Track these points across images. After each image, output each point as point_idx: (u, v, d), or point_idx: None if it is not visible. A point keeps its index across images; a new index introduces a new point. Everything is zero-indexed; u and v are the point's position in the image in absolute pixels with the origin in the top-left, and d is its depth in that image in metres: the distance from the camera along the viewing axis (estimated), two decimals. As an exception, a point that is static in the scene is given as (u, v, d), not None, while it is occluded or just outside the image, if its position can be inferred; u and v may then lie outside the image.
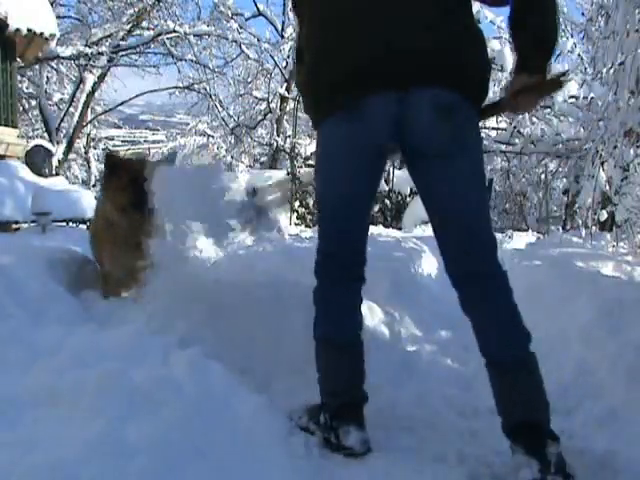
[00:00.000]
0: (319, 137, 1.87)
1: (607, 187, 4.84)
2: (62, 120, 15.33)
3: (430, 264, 4.06)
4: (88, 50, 13.44)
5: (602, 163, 4.80)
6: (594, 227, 5.16)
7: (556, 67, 10.94)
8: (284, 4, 16.20)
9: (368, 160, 1.80)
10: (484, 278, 1.77)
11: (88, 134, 19.57)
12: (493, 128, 13.47)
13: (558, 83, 1.83)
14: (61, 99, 16.54)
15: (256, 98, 18.15)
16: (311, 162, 16.42)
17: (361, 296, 1.95)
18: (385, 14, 1.71)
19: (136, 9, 14.34)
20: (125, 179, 2.76)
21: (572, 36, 12.66)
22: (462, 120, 1.73)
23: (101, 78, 15.00)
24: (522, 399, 1.71)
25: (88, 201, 7.86)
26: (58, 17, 12.36)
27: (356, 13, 1.73)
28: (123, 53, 14.75)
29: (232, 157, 19.70)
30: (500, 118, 12.83)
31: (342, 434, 1.82)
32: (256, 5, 16.23)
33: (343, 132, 1.76)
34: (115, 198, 2.81)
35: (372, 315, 2.74)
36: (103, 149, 22.15)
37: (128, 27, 14.31)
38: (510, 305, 1.77)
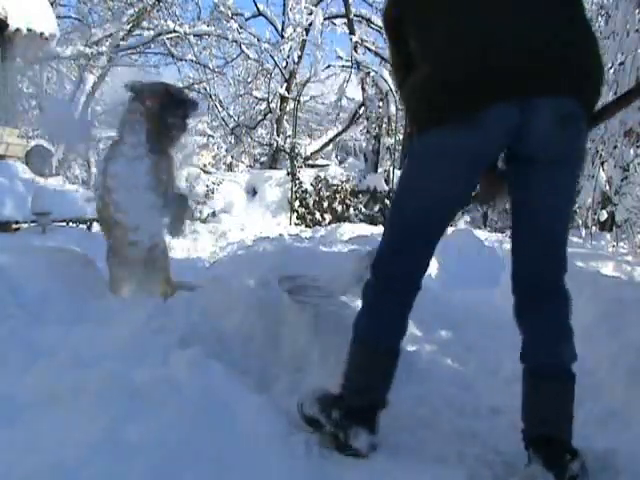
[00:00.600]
0: (421, 143, 1.79)
1: (607, 187, 4.85)
2: (62, 120, 15.32)
3: (430, 264, 4.06)
4: (88, 50, 13.45)
5: (602, 163, 4.80)
6: (594, 227, 5.17)
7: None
8: (284, 4, 16.20)
9: (477, 172, 1.79)
10: (556, 293, 1.79)
11: (88, 134, 19.55)
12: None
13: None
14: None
15: (256, 98, 18.17)
16: (311, 162, 16.46)
17: (413, 304, 1.91)
18: (507, 23, 1.67)
19: (136, 9, 14.36)
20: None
21: (572, 36, 12.66)
22: (579, 129, 1.73)
23: (101, 78, 15.01)
24: (553, 413, 1.73)
25: (88, 201, 7.85)
26: (58, 17, 12.35)
27: (479, 23, 1.69)
28: (123, 53, 14.76)
29: (232, 157, 19.71)
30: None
31: (352, 434, 1.80)
32: (256, 5, 16.25)
33: (461, 140, 1.70)
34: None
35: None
36: (103, 149, 22.17)
37: (128, 27, 14.33)
38: (569, 323, 1.79)
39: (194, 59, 15.33)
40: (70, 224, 7.56)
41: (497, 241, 7.74)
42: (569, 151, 1.72)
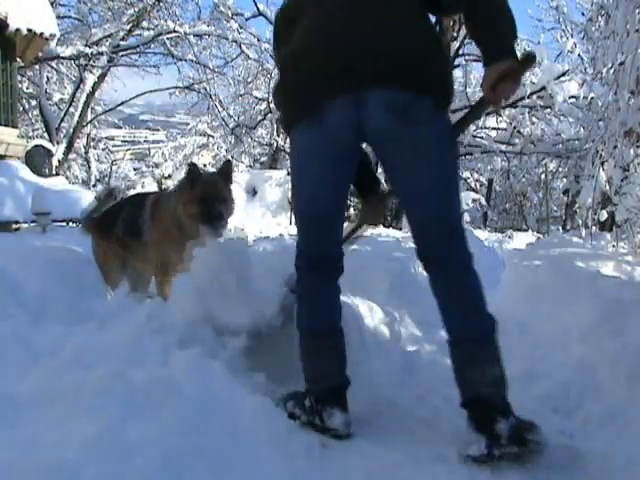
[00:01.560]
0: (291, 142, 2.02)
1: (607, 187, 4.84)
2: (62, 120, 15.33)
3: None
4: (88, 50, 13.44)
5: (602, 163, 4.79)
6: (594, 227, 5.16)
7: (557, 67, 10.96)
8: (284, 4, 16.20)
9: (334, 164, 1.94)
10: (446, 259, 1.87)
11: (88, 134, 19.57)
12: (493, 128, 13.48)
13: (529, 60, 1.87)
14: (61, 99, 16.54)
15: (256, 98, 18.16)
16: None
17: (339, 286, 2.06)
18: (343, 20, 1.85)
19: (136, 9, 14.34)
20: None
21: (572, 36, 12.67)
22: (415, 116, 1.81)
23: (101, 78, 14.99)
24: (475, 376, 1.80)
25: (88, 201, 7.85)
26: (58, 17, 12.36)
27: (322, 22, 1.89)
28: (123, 53, 14.75)
29: (232, 157, 19.71)
30: (500, 118, 12.84)
31: (326, 416, 1.90)
32: (256, 5, 16.22)
33: (310, 137, 1.91)
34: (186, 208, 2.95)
35: (372, 315, 2.74)
36: (103, 149, 22.18)
37: (128, 27, 14.31)
38: (471, 286, 1.87)
39: (194, 59, 15.30)
40: (70, 224, 7.56)
41: (497, 241, 7.74)
42: (409, 137, 1.81)
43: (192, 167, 2.99)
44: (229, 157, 19.52)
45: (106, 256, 3.23)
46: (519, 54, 1.83)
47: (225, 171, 3.07)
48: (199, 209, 2.92)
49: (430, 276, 1.92)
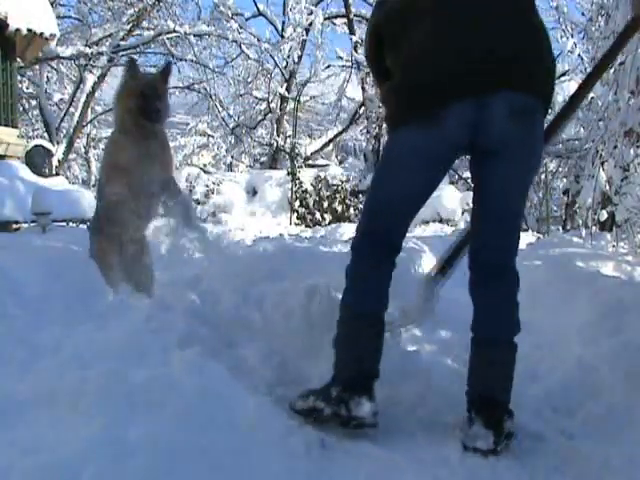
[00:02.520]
0: (393, 138, 2.03)
1: (607, 187, 4.84)
2: (62, 120, 15.34)
3: (430, 264, 4.05)
4: (88, 50, 13.45)
5: (602, 163, 4.79)
6: (594, 227, 5.16)
7: (556, 67, 10.96)
8: (284, 4, 16.22)
9: (441, 166, 2.00)
10: (504, 272, 1.99)
11: (88, 134, 19.57)
12: (493, 128, 13.45)
13: None
14: (61, 99, 16.55)
15: (256, 98, 18.16)
16: (311, 162, 16.46)
17: (391, 279, 2.07)
18: (467, 22, 1.88)
19: (136, 9, 14.36)
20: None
21: (572, 36, 12.68)
22: (533, 121, 1.91)
23: (101, 78, 15.00)
24: (493, 376, 1.92)
25: (88, 201, 7.85)
26: (58, 17, 12.37)
27: (445, 24, 1.91)
28: (123, 53, 14.74)
29: (232, 157, 19.71)
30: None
31: (354, 405, 1.88)
32: (256, 5, 16.25)
33: (421, 137, 1.91)
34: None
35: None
36: (103, 149, 22.16)
37: (128, 27, 14.32)
38: (516, 297, 1.99)
39: (194, 59, 15.31)
40: (70, 224, 7.55)
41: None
42: (522, 144, 1.90)
43: (131, 63, 3.23)
44: (229, 157, 19.54)
45: (103, 251, 3.25)
46: None
47: (164, 72, 3.26)
48: (138, 103, 3.08)
49: (484, 281, 1.99)
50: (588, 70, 9.39)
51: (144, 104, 3.08)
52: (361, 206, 13.09)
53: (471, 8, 1.90)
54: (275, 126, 16.85)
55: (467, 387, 1.97)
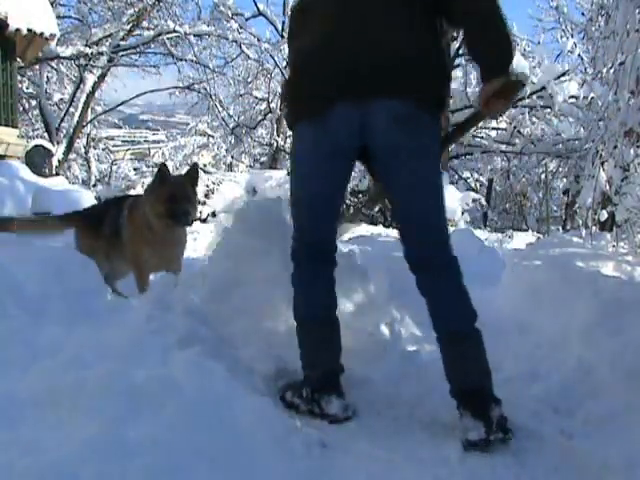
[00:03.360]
0: (293, 138, 2.14)
1: (607, 187, 4.84)
2: (62, 120, 15.33)
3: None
4: (88, 50, 13.44)
5: (602, 163, 4.79)
6: (594, 227, 5.15)
7: (557, 67, 10.97)
8: (284, 4, 16.21)
9: (332, 162, 2.03)
10: (434, 263, 2.01)
11: (88, 134, 19.55)
12: (493, 128, 13.48)
13: (519, 82, 2.00)
14: (61, 99, 16.54)
15: (256, 98, 18.15)
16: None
17: (334, 278, 2.17)
18: (353, 30, 1.92)
19: (136, 9, 14.33)
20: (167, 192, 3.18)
21: (572, 36, 12.68)
22: (416, 127, 1.93)
23: (101, 78, 14.99)
24: (469, 368, 1.96)
25: (88, 201, 7.85)
26: (58, 17, 12.36)
27: (331, 28, 1.96)
28: (123, 53, 14.74)
29: (232, 157, 19.70)
30: (500, 118, 12.84)
31: (324, 403, 2.03)
32: (256, 5, 16.23)
33: (312, 136, 2.00)
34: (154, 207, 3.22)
35: (372, 315, 2.74)
36: (103, 149, 22.16)
37: (128, 27, 14.30)
38: (459, 286, 2.01)
39: (194, 59, 15.29)
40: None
41: (497, 241, 7.75)
42: (409, 149, 1.93)
43: (163, 168, 3.26)
44: (229, 157, 19.54)
45: (92, 248, 3.42)
46: (517, 63, 1.95)
47: (192, 174, 3.34)
48: (166, 207, 3.17)
49: (422, 278, 2.04)
50: (588, 70, 9.39)
51: (174, 208, 3.17)
52: (360, 206, 13.10)
53: (354, 11, 1.94)
54: (275, 126, 16.84)
55: (448, 385, 2.00)
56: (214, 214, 12.68)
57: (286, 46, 13.89)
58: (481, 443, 1.84)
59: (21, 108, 15.08)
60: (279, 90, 16.23)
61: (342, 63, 1.92)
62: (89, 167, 20.79)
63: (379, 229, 6.67)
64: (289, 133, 16.61)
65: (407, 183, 1.97)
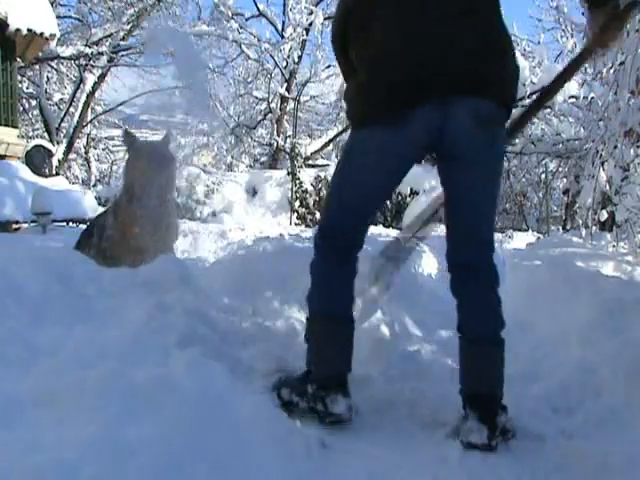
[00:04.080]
0: (357, 136, 2.03)
1: (607, 187, 4.84)
2: (62, 120, 15.34)
3: (430, 264, 4.06)
4: (88, 50, 13.45)
5: (602, 163, 4.79)
6: (594, 227, 5.16)
7: (557, 67, 10.97)
8: (284, 4, 16.20)
9: (405, 165, 2.02)
10: (478, 268, 2.01)
11: (88, 134, 19.57)
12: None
13: (631, 7, 1.97)
14: (61, 99, 16.55)
15: (256, 98, 18.16)
16: (311, 162, 16.46)
17: (355, 275, 2.11)
18: (428, 31, 1.88)
19: (136, 9, 14.35)
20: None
21: (572, 36, 12.68)
22: (496, 131, 1.94)
23: (101, 78, 15.00)
24: (486, 373, 1.96)
25: (88, 201, 7.85)
26: (58, 17, 12.36)
27: (406, 29, 1.90)
28: (123, 53, 14.76)
29: (232, 157, 19.70)
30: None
31: (330, 402, 1.96)
32: (256, 5, 16.24)
33: (382, 136, 1.92)
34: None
35: (372, 315, 2.74)
36: (103, 149, 22.16)
37: (128, 27, 14.33)
38: (496, 294, 2.02)
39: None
40: (70, 224, 7.56)
41: (497, 241, 7.73)
42: (486, 152, 1.92)
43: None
44: (229, 157, 19.53)
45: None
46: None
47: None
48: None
49: (462, 279, 2.04)
50: (588, 70, 9.39)
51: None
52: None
53: (436, 9, 1.89)
54: (275, 126, 16.84)
55: (460, 386, 2.00)
56: (214, 214, 12.70)
57: (287, 46, 13.70)
58: (483, 447, 1.84)
59: (21, 108, 15.09)
60: (280, 90, 16.26)
61: (426, 65, 1.86)
62: (89, 167, 20.80)
63: (379, 229, 6.66)
64: (289, 133, 16.63)
65: (479, 184, 1.96)
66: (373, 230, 7.21)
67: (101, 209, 6.13)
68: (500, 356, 1.98)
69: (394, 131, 1.90)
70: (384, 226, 8.56)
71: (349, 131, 2.13)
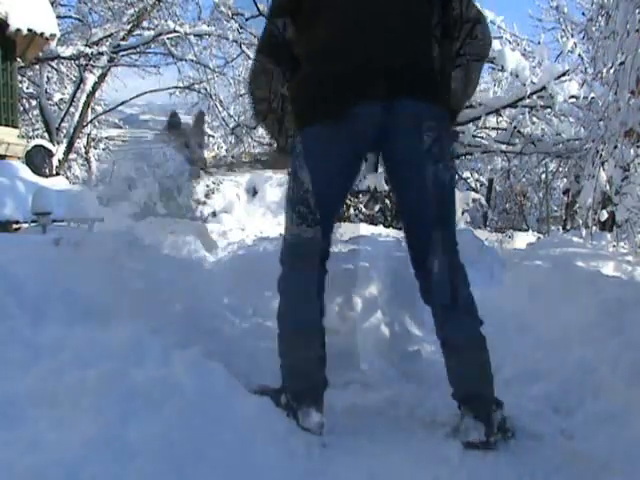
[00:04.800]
0: (302, 136, 1.99)
1: (607, 187, 4.84)
2: (62, 120, 15.32)
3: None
4: (88, 50, 13.44)
5: (602, 163, 4.79)
6: (594, 227, 5.16)
7: (557, 67, 10.97)
8: (284, 4, 16.18)
9: (352, 162, 2.00)
10: (441, 275, 1.95)
11: (88, 134, 19.54)
12: (493, 128, 13.48)
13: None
14: (61, 99, 16.53)
15: (256, 98, 18.13)
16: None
17: (325, 285, 2.05)
18: (374, 28, 1.89)
19: (136, 9, 14.33)
20: None
21: (572, 36, 12.66)
22: (439, 130, 1.92)
23: (101, 78, 14.99)
24: (471, 374, 1.96)
25: (89, 201, 7.85)
26: (58, 17, 12.35)
27: (347, 29, 1.91)
28: (123, 53, 14.74)
29: (232, 157, 19.70)
30: (500, 118, 12.84)
31: (301, 415, 1.91)
32: (256, 5, 16.21)
33: (328, 136, 1.91)
34: None
35: (372, 315, 2.74)
36: (104, 149, 22.15)
37: (128, 27, 14.30)
38: (464, 294, 1.97)
39: (194, 59, 15.30)
40: (71, 224, 7.55)
41: (497, 241, 7.74)
42: (428, 151, 1.90)
43: None
44: (229, 157, 19.53)
45: None
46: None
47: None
48: None
49: (427, 284, 1.99)
50: (588, 70, 9.37)
51: None
52: (361, 206, 13.09)
53: (377, 8, 1.91)
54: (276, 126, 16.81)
55: (451, 389, 1.99)
56: (214, 214, 12.69)
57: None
58: (481, 445, 1.85)
59: (21, 108, 15.07)
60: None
61: (366, 63, 1.87)
62: (89, 167, 20.77)
63: (379, 229, 6.67)
64: (290, 133, 16.58)
65: (425, 184, 1.92)
66: (373, 230, 7.21)
67: (102, 209, 6.12)
68: (480, 354, 1.96)
69: (335, 129, 1.88)
70: (384, 226, 8.55)
71: (296, 131, 2.08)
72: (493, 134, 13.27)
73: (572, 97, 10.33)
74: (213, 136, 20.24)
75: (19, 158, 8.81)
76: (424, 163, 1.91)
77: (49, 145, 10.78)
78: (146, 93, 17.97)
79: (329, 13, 1.94)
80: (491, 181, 17.28)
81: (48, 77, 15.91)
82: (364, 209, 13.09)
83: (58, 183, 8.33)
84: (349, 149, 1.94)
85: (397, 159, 1.97)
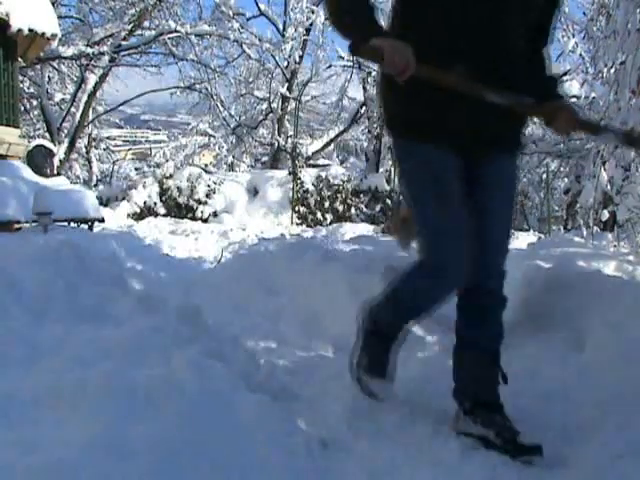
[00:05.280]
0: (410, 154, 1.97)
1: (608, 187, 4.83)
2: (63, 120, 15.35)
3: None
4: (89, 50, 13.46)
5: (603, 163, 4.79)
6: (595, 227, 5.16)
7: (557, 67, 10.96)
8: (285, 4, 16.21)
9: (461, 186, 1.95)
10: (492, 294, 2.03)
11: (90, 134, 19.57)
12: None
13: None
14: (62, 99, 16.56)
15: (257, 98, 18.17)
16: (312, 162, 16.46)
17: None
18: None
19: (137, 9, 14.35)
20: None
21: (573, 36, 12.66)
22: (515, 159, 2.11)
23: (102, 78, 15.01)
24: (478, 381, 1.98)
25: (90, 201, 7.86)
26: (59, 17, 12.36)
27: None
28: (124, 53, 14.77)
29: (233, 157, 19.72)
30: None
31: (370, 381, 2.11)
32: (257, 5, 16.25)
33: (450, 158, 1.90)
34: None
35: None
36: (105, 149, 22.19)
37: (129, 27, 14.33)
38: (493, 306, 2.04)
39: (195, 59, 15.33)
40: (72, 224, 7.57)
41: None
42: (512, 176, 2.09)
43: None
44: (230, 157, 19.56)
45: None
46: None
47: None
48: None
49: (472, 302, 2.03)
50: (589, 70, 9.35)
51: None
52: (362, 206, 13.11)
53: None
54: (276, 126, 16.84)
55: (454, 387, 2.05)
56: (215, 214, 12.71)
57: (288, 46, 13.66)
58: (481, 445, 1.86)
59: (22, 108, 15.08)
60: (281, 90, 16.26)
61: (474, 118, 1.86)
62: (90, 167, 20.80)
63: (379, 229, 6.66)
64: (290, 133, 16.63)
65: (505, 211, 2.04)
66: (373, 230, 7.22)
67: (102, 209, 6.13)
68: (493, 364, 2.00)
69: (446, 152, 1.90)
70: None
71: (393, 139, 2.06)
72: (494, 134, 13.23)
73: (573, 97, 10.32)
74: (214, 136, 20.26)
75: (20, 158, 8.82)
76: (502, 189, 2.01)
77: (50, 145, 10.79)
78: (147, 93, 18.02)
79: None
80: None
81: (49, 77, 15.94)
82: (365, 209, 13.12)
83: (59, 183, 8.34)
84: (457, 172, 1.96)
85: (480, 185, 1.99)
